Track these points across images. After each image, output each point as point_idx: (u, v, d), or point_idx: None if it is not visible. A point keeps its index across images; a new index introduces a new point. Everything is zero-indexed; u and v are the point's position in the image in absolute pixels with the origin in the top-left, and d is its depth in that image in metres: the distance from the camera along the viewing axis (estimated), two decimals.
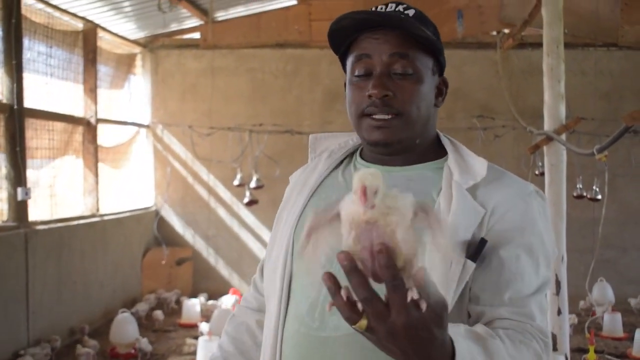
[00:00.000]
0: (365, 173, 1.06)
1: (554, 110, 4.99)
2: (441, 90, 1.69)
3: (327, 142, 1.82)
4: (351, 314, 1.09)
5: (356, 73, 1.61)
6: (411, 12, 1.61)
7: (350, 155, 1.79)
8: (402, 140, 1.60)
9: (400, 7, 1.62)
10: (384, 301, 1.08)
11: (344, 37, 1.64)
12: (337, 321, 1.46)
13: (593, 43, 9.24)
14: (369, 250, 1.06)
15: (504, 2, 8.63)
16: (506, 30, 9.46)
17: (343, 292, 1.10)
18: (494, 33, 9.91)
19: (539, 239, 1.54)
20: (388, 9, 1.61)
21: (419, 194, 1.54)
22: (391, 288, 1.05)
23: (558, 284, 4.79)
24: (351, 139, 1.81)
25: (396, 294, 1.06)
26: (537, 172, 7.75)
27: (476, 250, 1.45)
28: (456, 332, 1.22)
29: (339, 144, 1.79)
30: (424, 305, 1.07)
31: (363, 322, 1.09)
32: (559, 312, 4.78)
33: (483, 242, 1.47)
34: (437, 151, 1.69)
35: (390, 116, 1.57)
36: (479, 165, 1.60)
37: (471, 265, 1.45)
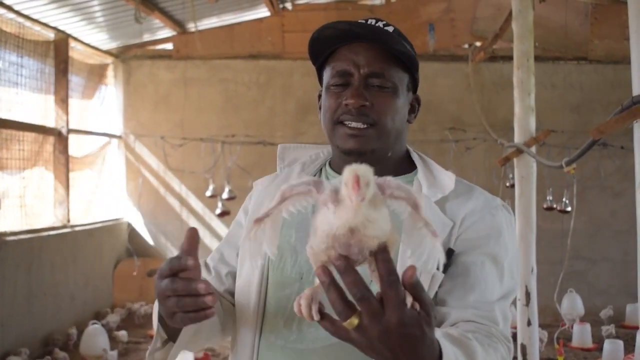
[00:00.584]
0: (357, 165, 1.05)
1: (524, 122, 5.04)
2: (414, 107, 1.72)
3: (296, 153, 1.82)
4: (345, 308, 1.08)
5: (334, 82, 1.63)
6: (391, 29, 1.64)
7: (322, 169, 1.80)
8: (375, 151, 1.61)
9: (380, 24, 1.64)
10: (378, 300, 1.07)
11: (324, 47, 1.66)
12: (315, 333, 1.50)
13: (563, 57, 9.36)
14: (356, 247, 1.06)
15: (475, 15, 8.71)
16: (478, 44, 9.56)
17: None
18: (466, 46, 10.00)
19: (504, 249, 1.58)
20: (368, 24, 1.62)
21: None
22: (387, 284, 1.05)
23: (528, 295, 4.82)
24: (322, 152, 1.83)
25: (392, 290, 1.05)
26: (507, 184, 7.80)
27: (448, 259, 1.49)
28: (437, 334, 1.20)
29: (310, 157, 1.80)
30: (417, 305, 1.07)
31: (354, 320, 1.08)
32: (529, 323, 4.81)
33: (451, 251, 1.51)
34: (407, 165, 1.73)
35: (365, 125, 1.59)
36: (447, 179, 1.63)
37: (440, 275, 1.48)
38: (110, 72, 10.08)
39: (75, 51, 8.93)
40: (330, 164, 1.76)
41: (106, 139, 9.93)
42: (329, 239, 1.05)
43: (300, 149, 1.84)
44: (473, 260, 1.52)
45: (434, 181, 1.64)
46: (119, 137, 10.18)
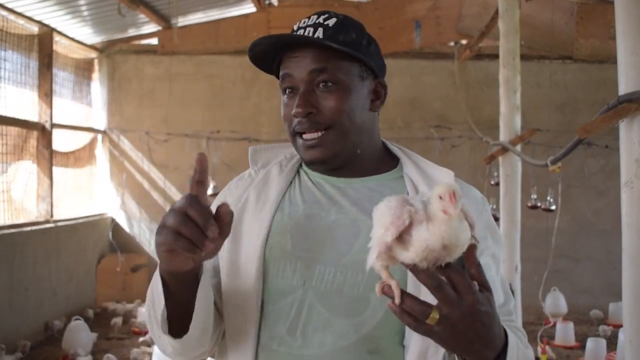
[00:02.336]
0: (448, 183, 1.16)
1: (509, 121, 5.06)
2: (378, 93, 1.66)
3: (268, 154, 1.76)
4: (424, 308, 1.18)
5: (283, 90, 1.61)
6: (331, 22, 1.58)
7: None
8: (337, 154, 1.57)
9: (321, 18, 1.60)
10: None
11: (269, 60, 1.64)
12: (322, 338, 1.47)
13: (548, 55, 9.38)
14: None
15: (462, 13, 8.72)
16: (464, 42, 9.57)
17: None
18: (452, 44, 10.02)
19: (499, 245, 1.65)
20: (309, 22, 1.59)
21: None
22: (456, 273, 1.19)
23: (512, 293, 4.83)
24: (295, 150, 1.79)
25: (461, 276, 1.19)
26: (492, 182, 7.82)
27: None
28: None
29: (285, 157, 1.74)
30: (475, 284, 1.22)
31: (435, 314, 1.18)
32: None
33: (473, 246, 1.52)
34: (388, 160, 1.70)
35: (319, 133, 1.55)
36: (445, 177, 1.62)
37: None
38: (95, 67, 10.03)
39: (60, 45, 8.87)
40: (305, 162, 1.70)
41: (91, 134, 9.88)
42: (425, 252, 1.14)
43: (272, 150, 1.78)
44: (484, 266, 1.51)
45: (429, 179, 1.61)
46: (103, 132, 10.12)
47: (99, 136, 10.09)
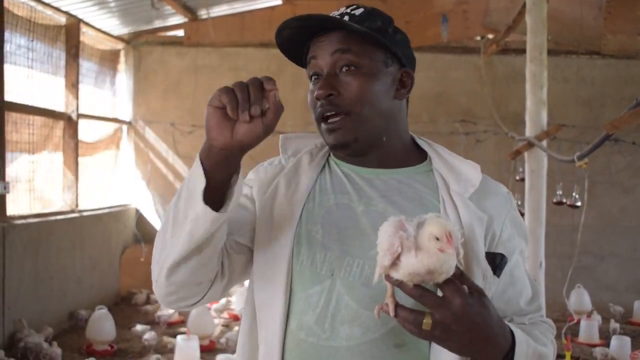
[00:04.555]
0: (442, 221, 1.25)
1: (535, 116, 5.02)
2: (404, 82, 1.65)
3: (298, 142, 1.76)
4: (415, 315, 1.28)
5: (310, 78, 1.61)
6: (358, 11, 1.60)
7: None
8: (359, 139, 1.57)
9: (349, 9, 1.61)
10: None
11: (297, 49, 1.65)
12: (349, 331, 1.47)
13: (576, 51, 9.29)
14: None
15: (489, 7, 8.66)
16: (490, 36, 9.50)
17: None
18: (478, 38, 9.95)
19: (525, 241, 1.66)
20: (337, 13, 1.61)
21: (416, 199, 1.58)
22: (446, 282, 1.27)
23: None
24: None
25: (447, 285, 1.27)
26: (517, 178, 7.77)
27: (498, 266, 1.54)
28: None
29: (316, 146, 1.74)
30: (465, 288, 1.30)
31: (428, 320, 1.27)
32: None
33: (504, 259, 1.55)
34: (416, 154, 1.69)
35: (339, 117, 1.55)
36: (472, 171, 1.62)
37: (494, 279, 1.54)
38: (121, 58, 10.08)
39: (87, 36, 8.92)
40: (334, 154, 1.72)
41: (116, 124, 9.94)
42: (411, 276, 1.25)
43: (302, 138, 1.78)
44: (515, 264, 1.60)
45: (457, 174, 1.61)
46: (129, 123, 10.18)
47: (124, 127, 10.15)
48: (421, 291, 1.27)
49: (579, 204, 7.73)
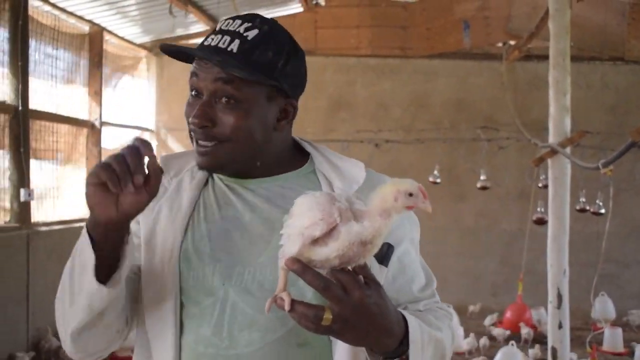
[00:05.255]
0: (412, 180, 1.23)
1: (559, 123, 4.99)
2: (287, 113, 1.61)
3: (180, 162, 1.72)
4: (316, 311, 1.23)
5: (190, 90, 1.58)
6: (252, 34, 1.52)
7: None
8: (225, 167, 1.57)
9: (243, 27, 1.53)
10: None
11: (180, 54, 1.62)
12: (249, 336, 1.46)
13: (599, 57, 9.25)
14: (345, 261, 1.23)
15: (511, 13, 8.64)
16: (512, 42, 9.47)
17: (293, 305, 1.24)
18: (500, 44, 9.92)
19: (416, 228, 1.67)
20: (231, 27, 1.53)
21: None
22: (341, 273, 1.24)
23: (560, 297, 4.77)
24: None
25: (347, 275, 1.25)
26: (540, 185, 7.73)
27: (385, 255, 1.51)
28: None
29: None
30: (361, 278, 1.27)
31: (328, 315, 1.23)
32: (560, 326, 4.77)
33: (391, 247, 1.53)
34: (298, 158, 1.68)
35: (212, 143, 1.52)
36: (356, 169, 1.62)
37: (384, 269, 1.53)
38: (143, 66, 10.14)
39: (110, 44, 8.99)
40: None
41: (139, 132, 10.00)
42: (346, 249, 1.19)
43: (183, 157, 1.74)
44: (404, 251, 1.59)
45: (341, 173, 1.61)
46: (152, 130, 10.24)
47: (147, 134, 10.20)
48: (326, 282, 1.23)
49: (602, 211, 7.68)
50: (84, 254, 1.37)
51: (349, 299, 1.24)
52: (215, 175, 1.66)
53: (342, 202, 1.22)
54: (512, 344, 6.28)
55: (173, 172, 1.69)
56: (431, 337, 1.45)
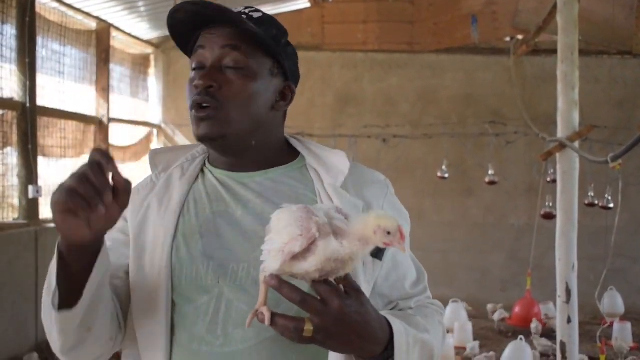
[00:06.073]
0: (386, 215, 1.24)
1: (567, 117, 4.97)
2: (285, 96, 1.64)
3: (169, 157, 1.71)
4: (296, 323, 1.24)
5: (192, 66, 1.58)
6: (256, 15, 1.58)
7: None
8: (226, 136, 1.54)
9: (247, 10, 1.59)
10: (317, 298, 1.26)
11: (187, 35, 1.61)
12: (243, 333, 1.45)
13: (607, 51, 9.21)
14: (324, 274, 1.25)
15: (518, 8, 8.61)
16: (520, 37, 9.44)
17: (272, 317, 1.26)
18: (508, 39, 9.89)
19: (406, 223, 1.68)
20: (234, 10, 1.57)
21: (292, 196, 1.57)
22: (319, 284, 1.26)
23: (568, 292, 4.76)
24: (196, 151, 1.73)
25: (323, 286, 1.26)
26: (548, 180, 7.71)
27: (380, 249, 1.48)
28: (384, 313, 1.43)
29: (187, 159, 1.70)
30: (341, 287, 1.28)
31: (309, 327, 1.24)
32: (569, 321, 4.76)
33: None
34: (289, 154, 1.68)
35: (209, 107, 1.52)
36: (340, 160, 1.62)
37: (379, 263, 1.54)
38: (151, 62, 10.15)
39: (117, 41, 9.00)
40: (209, 160, 1.69)
41: (147, 128, 10.01)
42: (324, 264, 1.21)
43: (172, 152, 1.73)
44: (395, 250, 1.56)
45: (328, 166, 1.61)
46: (159, 126, 10.25)
47: (155, 130, 10.22)
48: (302, 295, 1.24)
49: (611, 205, 7.66)
50: (54, 276, 1.35)
51: (328, 310, 1.25)
52: (206, 170, 1.66)
53: (321, 216, 1.24)
54: (521, 339, 6.28)
55: (161, 167, 1.69)
56: (417, 340, 1.45)
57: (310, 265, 1.22)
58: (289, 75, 1.64)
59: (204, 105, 1.53)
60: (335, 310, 1.25)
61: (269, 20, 1.60)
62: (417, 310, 1.60)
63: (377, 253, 1.51)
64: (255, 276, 1.44)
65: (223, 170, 1.63)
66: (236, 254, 1.50)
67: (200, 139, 1.57)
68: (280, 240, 1.24)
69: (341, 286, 1.28)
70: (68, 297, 1.35)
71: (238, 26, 1.53)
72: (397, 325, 1.40)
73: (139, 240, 1.56)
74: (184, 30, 1.60)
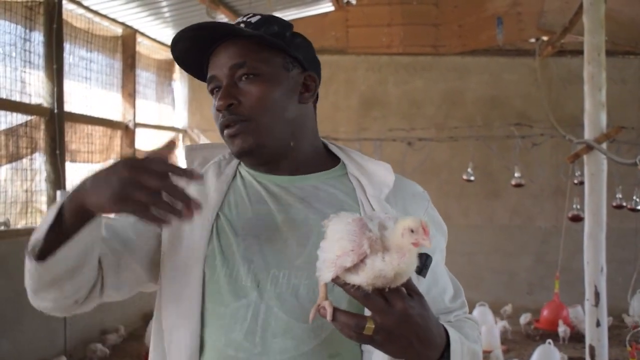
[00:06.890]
0: (419, 217, 1.21)
1: (594, 118, 4.92)
2: (308, 86, 1.63)
3: (205, 153, 1.71)
4: (358, 320, 1.22)
5: (210, 90, 1.59)
6: (254, 19, 1.58)
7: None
8: (263, 145, 1.53)
9: (245, 18, 1.59)
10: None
11: (197, 60, 1.61)
12: (282, 343, 1.42)
13: (634, 51, 9.12)
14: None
15: (543, 9, 8.55)
16: (545, 38, 9.38)
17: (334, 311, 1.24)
18: (533, 40, 9.83)
19: (444, 238, 1.67)
20: (234, 22, 1.58)
21: (334, 202, 1.54)
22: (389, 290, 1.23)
23: (597, 295, 4.71)
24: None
25: (392, 290, 1.23)
26: (575, 182, 7.65)
27: (423, 266, 1.48)
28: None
29: (224, 157, 1.68)
30: (404, 290, 1.26)
31: (370, 325, 1.22)
32: (598, 324, 4.71)
33: (429, 258, 1.50)
34: (329, 159, 1.67)
35: (239, 124, 1.51)
36: (385, 173, 1.60)
37: (422, 280, 1.51)
38: (176, 67, 10.21)
39: (142, 46, 9.07)
40: (245, 164, 1.67)
41: (172, 133, 10.07)
42: (374, 279, 1.20)
43: (208, 149, 1.73)
44: (436, 262, 1.57)
45: (370, 176, 1.59)
46: (184, 131, 10.30)
47: (180, 135, 10.27)
48: (366, 292, 1.22)
49: (639, 207, 7.58)
50: (39, 229, 1.37)
51: (392, 310, 1.22)
52: (244, 171, 1.64)
53: (374, 229, 1.22)
54: (549, 342, 6.22)
55: (197, 163, 1.69)
56: (469, 350, 1.44)
57: (361, 279, 1.21)
58: (305, 64, 1.62)
59: (232, 125, 1.53)
60: (399, 311, 1.23)
61: (268, 20, 1.59)
62: (459, 323, 1.59)
63: (421, 270, 1.49)
64: (295, 284, 1.44)
65: (261, 173, 1.61)
66: (277, 260, 1.47)
67: (238, 155, 1.57)
68: (332, 251, 1.23)
69: (403, 288, 1.26)
70: (49, 250, 1.36)
71: (239, 36, 1.53)
72: (453, 333, 1.39)
73: (173, 237, 1.54)
74: (192, 59, 1.61)
